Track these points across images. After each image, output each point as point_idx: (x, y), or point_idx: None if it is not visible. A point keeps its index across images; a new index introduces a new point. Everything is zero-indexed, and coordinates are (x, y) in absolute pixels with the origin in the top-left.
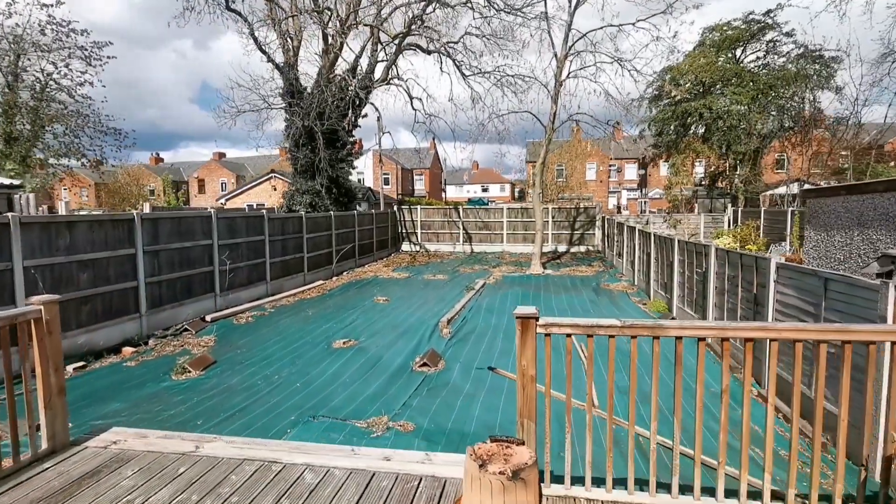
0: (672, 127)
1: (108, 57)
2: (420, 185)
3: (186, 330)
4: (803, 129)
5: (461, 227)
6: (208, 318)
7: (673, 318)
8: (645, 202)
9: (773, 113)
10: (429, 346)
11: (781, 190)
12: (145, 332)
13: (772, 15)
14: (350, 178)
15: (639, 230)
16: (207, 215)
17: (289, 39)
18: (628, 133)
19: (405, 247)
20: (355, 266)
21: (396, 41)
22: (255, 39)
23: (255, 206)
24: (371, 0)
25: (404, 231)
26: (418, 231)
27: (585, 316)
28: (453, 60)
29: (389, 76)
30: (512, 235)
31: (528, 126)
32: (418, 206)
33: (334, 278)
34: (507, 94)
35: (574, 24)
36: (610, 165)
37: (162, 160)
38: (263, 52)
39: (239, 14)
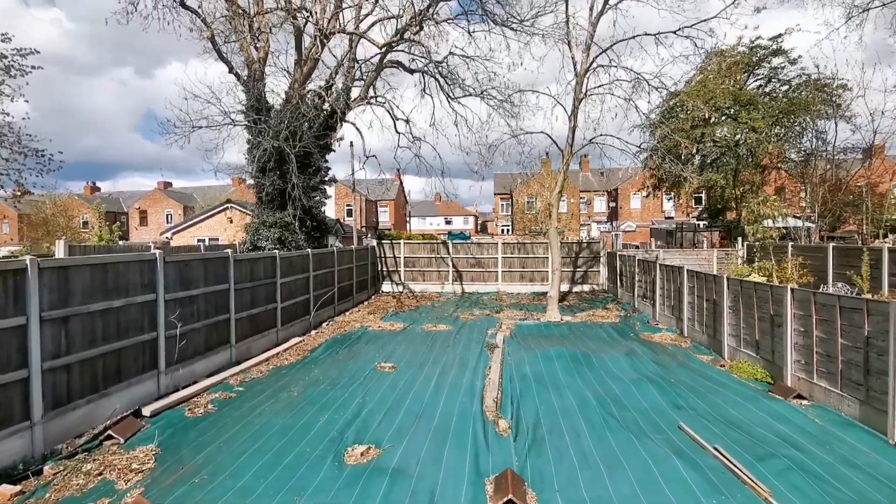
0: (681, 154)
1: (33, 67)
2: (385, 217)
3: (111, 437)
4: (810, 160)
5: (450, 264)
6: (147, 410)
7: (801, 397)
8: (617, 235)
9: (788, 141)
10: (489, 455)
11: (796, 223)
12: (40, 451)
13: (779, 41)
14: (323, 208)
15: (688, 270)
16: (150, 259)
17: (254, 50)
18: (631, 164)
19: (386, 287)
20: (335, 314)
21: (378, 56)
22: (215, 44)
23: (207, 241)
24: (353, 11)
25: (385, 269)
26: (401, 269)
27: (677, 392)
28: (443, 79)
29: (369, 95)
30: (508, 274)
31: (517, 152)
32: (401, 241)
33: (313, 332)
34: (505, 117)
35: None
36: (580, 198)
37: (98, 189)
38: (224, 60)
39: (196, 13)
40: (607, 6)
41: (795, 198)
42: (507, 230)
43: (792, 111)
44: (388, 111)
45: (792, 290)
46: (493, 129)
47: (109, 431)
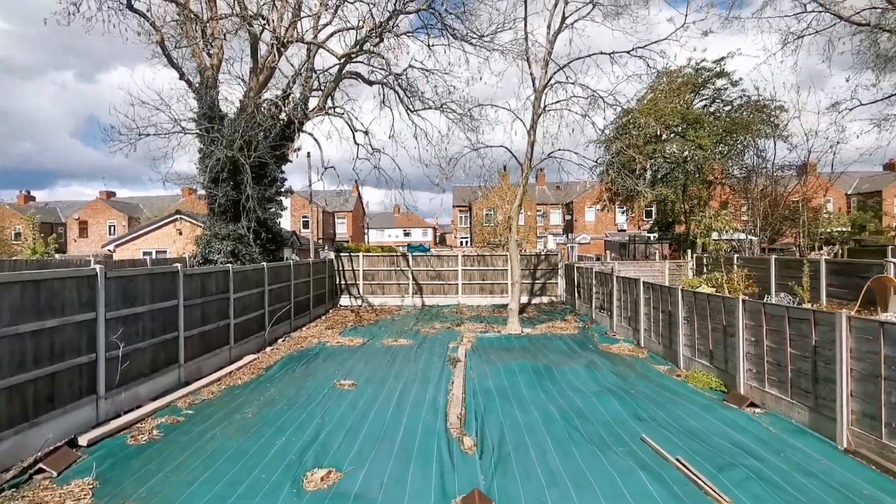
0: (635, 170)
1: None
2: (342, 229)
3: (42, 471)
4: (751, 176)
5: (410, 276)
6: (84, 439)
7: (754, 405)
8: (572, 247)
9: (731, 158)
10: (455, 475)
11: (740, 236)
12: None
13: (722, 64)
14: (279, 220)
15: (644, 282)
16: (90, 274)
17: (206, 57)
18: (588, 178)
19: (344, 301)
20: (291, 329)
21: (336, 67)
22: (165, 49)
23: (153, 254)
24: (311, 20)
25: (343, 283)
26: (360, 282)
27: (638, 404)
28: (402, 92)
29: (327, 106)
30: (468, 286)
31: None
32: (360, 254)
33: (268, 349)
34: (465, 130)
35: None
36: (537, 211)
37: (33, 198)
38: (175, 66)
39: (144, 16)
40: (564, 25)
41: (738, 212)
42: (466, 242)
43: (734, 130)
44: (347, 122)
45: (743, 301)
46: (453, 142)
47: (41, 464)
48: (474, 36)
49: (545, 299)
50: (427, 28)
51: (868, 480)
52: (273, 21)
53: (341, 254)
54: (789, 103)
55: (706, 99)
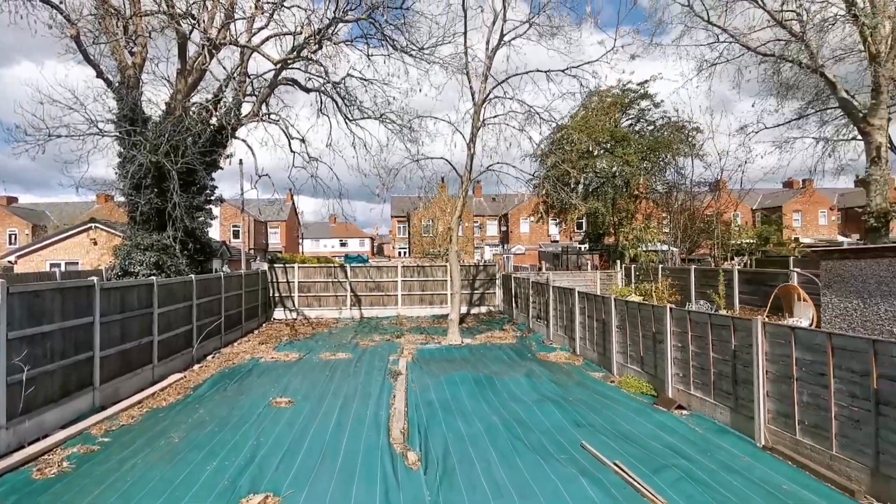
0: (571, 183)
1: None
2: (275, 239)
3: None
4: (672, 191)
5: (349, 288)
6: None
7: (681, 407)
8: (508, 258)
9: (654, 174)
10: (400, 492)
11: (663, 247)
12: None
13: (645, 86)
14: (208, 230)
15: (579, 292)
16: None
17: (128, 55)
18: (525, 190)
19: (279, 314)
20: (221, 345)
21: (272, 73)
22: (80, 44)
23: (63, 266)
24: (246, 23)
25: (278, 295)
26: (296, 294)
27: (576, 411)
28: (341, 100)
29: (262, 112)
30: (408, 297)
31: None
32: (295, 265)
33: (197, 367)
34: (405, 141)
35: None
36: (474, 223)
37: None
38: (92, 63)
39: (58, 8)
40: (502, 42)
41: (661, 225)
42: (405, 252)
43: (657, 148)
44: (283, 129)
45: (671, 309)
46: (393, 152)
47: None
48: (414, 48)
49: (483, 309)
50: (367, 38)
51: (786, 475)
52: (203, 21)
53: (275, 265)
54: (704, 125)
55: (632, 118)
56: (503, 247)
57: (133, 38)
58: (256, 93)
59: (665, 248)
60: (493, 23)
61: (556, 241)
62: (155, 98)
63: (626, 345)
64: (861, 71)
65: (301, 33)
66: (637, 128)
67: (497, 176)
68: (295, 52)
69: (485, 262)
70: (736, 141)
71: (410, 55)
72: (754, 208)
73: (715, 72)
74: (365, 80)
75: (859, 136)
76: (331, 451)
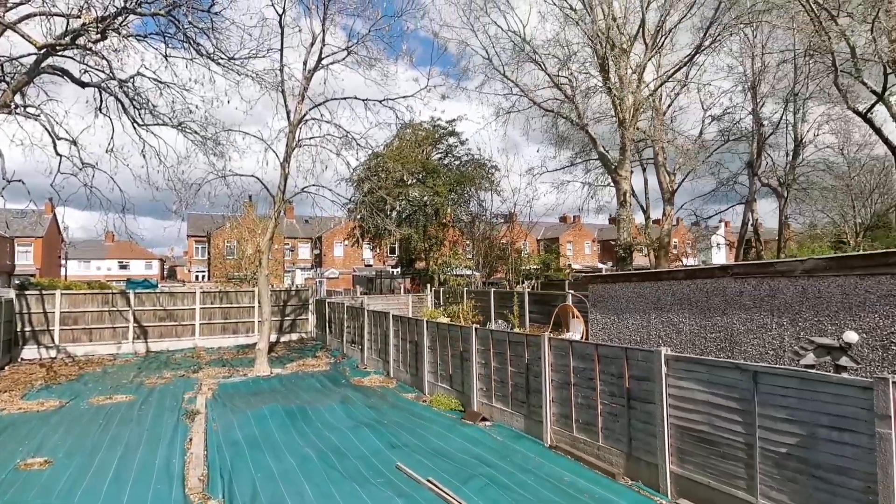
0: (385, 209)
1: None
2: (27, 260)
3: None
4: (475, 221)
5: (132, 318)
6: None
7: (485, 419)
8: (321, 282)
9: (460, 205)
10: None
11: (467, 272)
12: None
13: (453, 124)
14: None
15: (393, 315)
16: None
17: None
18: (341, 214)
19: (30, 353)
20: None
21: (34, 58)
22: None
23: None
24: None
25: (30, 329)
26: (56, 328)
27: (391, 433)
28: (128, 101)
29: (15, 102)
30: (208, 326)
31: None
32: (57, 292)
33: None
34: (209, 155)
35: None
36: (284, 245)
37: None
38: None
39: None
40: (321, 65)
41: (465, 251)
42: (204, 276)
43: (462, 182)
44: (46, 127)
45: (476, 328)
46: (195, 165)
47: None
48: (223, 56)
49: (295, 336)
50: (164, 36)
51: (566, 468)
52: None
53: (28, 292)
54: (501, 164)
55: (442, 152)
56: (316, 270)
57: None
58: (9, 79)
59: (469, 272)
60: (312, 44)
61: (371, 266)
62: None
63: (437, 364)
64: (613, 132)
65: (79, 16)
66: (446, 161)
67: (312, 198)
68: (68, 38)
69: (296, 286)
70: (525, 180)
71: (218, 63)
72: (539, 238)
73: (509, 119)
74: (161, 82)
75: (612, 184)
76: None
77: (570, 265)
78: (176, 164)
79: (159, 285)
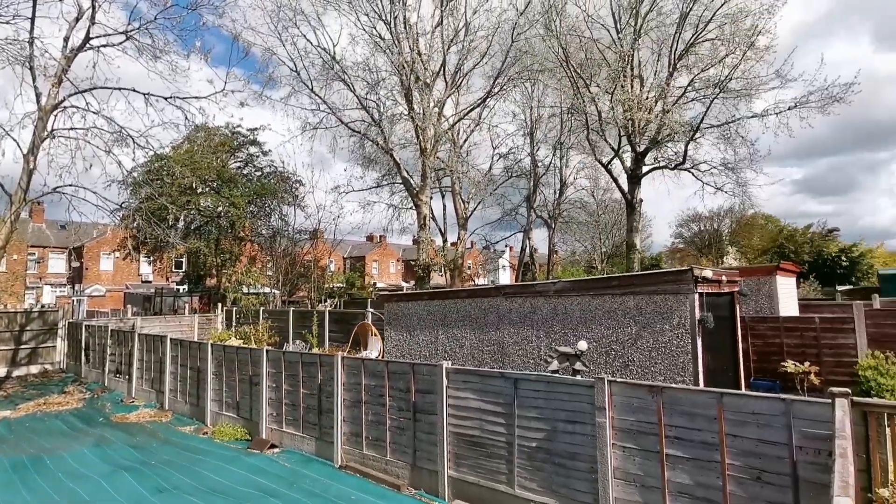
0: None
1: None
2: None
3: None
4: (276, 237)
5: None
6: None
7: (274, 446)
8: (81, 301)
9: (260, 218)
10: None
11: (266, 290)
12: None
13: (255, 133)
14: None
15: (171, 339)
16: None
17: None
18: (109, 221)
19: None
20: None
21: None
22: None
23: None
24: None
25: None
26: None
27: (158, 474)
28: None
29: None
30: None
31: None
32: None
33: None
34: None
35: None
36: (28, 255)
37: None
38: None
39: None
40: (88, 45)
41: (264, 268)
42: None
43: (264, 194)
44: None
45: (267, 351)
46: None
47: None
48: None
49: (35, 369)
50: None
51: (355, 486)
52: None
53: None
54: (307, 179)
55: (241, 161)
56: (74, 287)
57: None
58: None
59: (268, 290)
60: (77, 19)
61: (150, 282)
62: None
63: (223, 391)
64: (416, 158)
65: None
66: (246, 171)
67: (69, 200)
68: None
69: (42, 306)
70: (331, 197)
71: None
72: (345, 256)
73: (316, 135)
74: None
75: (414, 207)
76: None
77: (374, 284)
78: None
79: None
